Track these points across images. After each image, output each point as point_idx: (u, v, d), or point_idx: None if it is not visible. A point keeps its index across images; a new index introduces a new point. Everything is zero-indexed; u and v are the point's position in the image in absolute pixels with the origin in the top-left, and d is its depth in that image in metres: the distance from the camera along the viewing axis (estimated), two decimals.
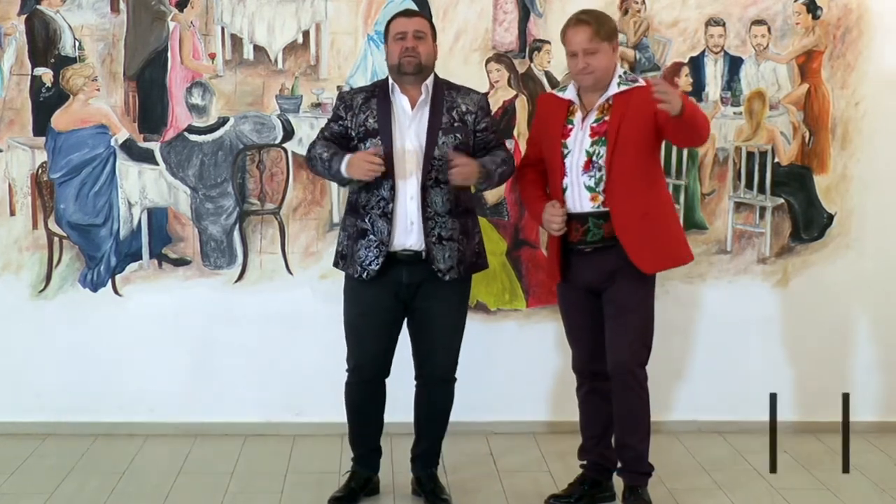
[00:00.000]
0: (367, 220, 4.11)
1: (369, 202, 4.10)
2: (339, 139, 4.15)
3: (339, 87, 4.96)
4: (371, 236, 4.10)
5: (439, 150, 4.08)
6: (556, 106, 4.18)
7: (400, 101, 4.13)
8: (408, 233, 4.09)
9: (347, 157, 4.03)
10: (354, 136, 4.13)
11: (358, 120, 4.12)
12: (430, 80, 4.15)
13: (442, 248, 4.10)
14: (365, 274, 4.10)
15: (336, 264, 4.26)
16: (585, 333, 4.22)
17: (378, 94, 4.16)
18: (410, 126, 4.11)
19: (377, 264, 4.08)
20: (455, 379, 4.29)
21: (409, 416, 4.35)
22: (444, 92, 4.16)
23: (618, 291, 4.08)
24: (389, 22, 4.18)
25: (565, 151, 4.10)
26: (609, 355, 4.11)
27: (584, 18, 4.06)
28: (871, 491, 4.53)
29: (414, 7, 4.92)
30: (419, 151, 4.08)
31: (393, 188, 4.07)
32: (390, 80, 4.17)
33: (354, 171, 4.00)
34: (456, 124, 4.12)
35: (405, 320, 4.25)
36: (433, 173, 4.07)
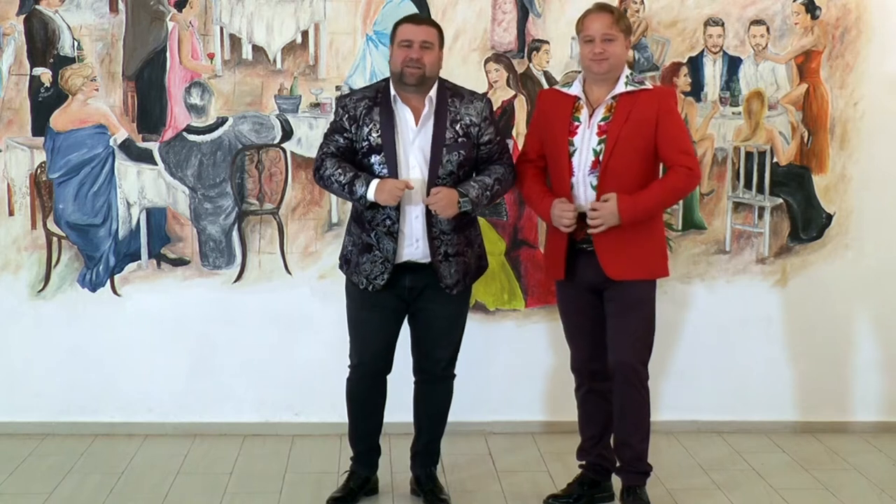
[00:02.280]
0: (372, 236, 4.07)
1: (374, 219, 4.06)
2: (346, 153, 4.09)
3: (337, 88, 4.96)
4: (376, 252, 4.07)
5: (443, 169, 4.04)
6: (560, 102, 4.14)
7: (403, 114, 4.06)
8: (414, 249, 4.07)
9: (375, 183, 3.97)
10: (358, 150, 4.08)
11: (362, 133, 4.05)
12: (433, 92, 4.06)
13: (448, 264, 4.09)
14: (371, 287, 4.08)
15: (341, 267, 4.25)
16: (585, 332, 4.21)
17: (380, 101, 4.07)
18: (415, 142, 4.05)
19: (383, 280, 4.06)
20: (454, 375, 4.29)
21: (407, 416, 4.35)
22: (448, 101, 4.08)
23: (621, 290, 4.06)
24: (397, 25, 4.09)
25: (572, 150, 4.07)
26: (611, 353, 4.10)
27: (606, 6, 4.09)
28: (870, 491, 4.52)
29: (413, 8, 4.91)
30: (424, 170, 4.04)
31: (399, 207, 4.02)
32: (392, 88, 4.08)
33: (385, 197, 3.95)
34: (460, 139, 4.06)
35: (406, 316, 4.24)
36: None
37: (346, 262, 4.20)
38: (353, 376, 4.26)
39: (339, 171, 4.03)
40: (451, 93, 4.12)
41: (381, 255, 4.06)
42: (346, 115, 4.09)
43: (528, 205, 4.49)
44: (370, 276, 4.08)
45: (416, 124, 4.05)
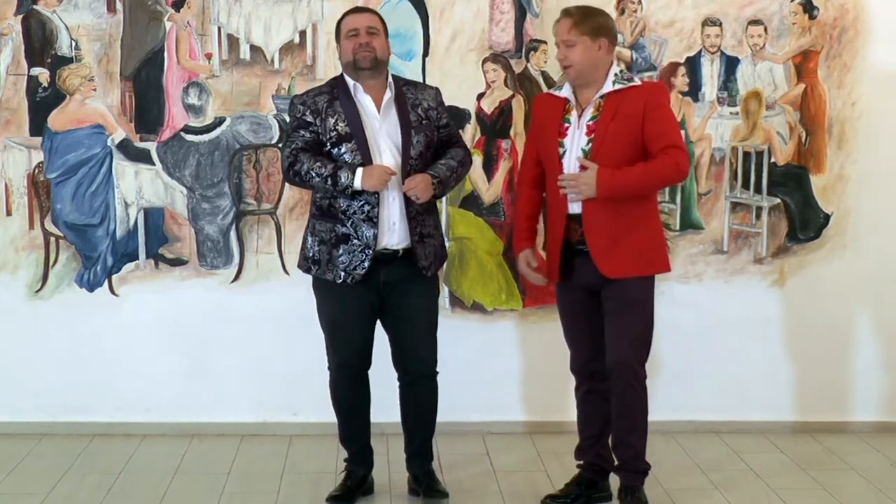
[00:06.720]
0: (348, 225, 4.08)
1: (350, 207, 4.06)
2: (314, 147, 4.10)
3: None
4: (354, 241, 4.07)
5: (414, 149, 4.09)
6: (552, 105, 4.16)
7: (364, 102, 4.10)
8: (390, 233, 4.09)
9: (360, 170, 3.99)
10: (326, 142, 4.09)
11: (327, 125, 4.08)
12: (390, 79, 4.14)
13: (423, 245, 4.12)
14: (350, 279, 4.08)
15: (307, 270, 4.21)
16: (584, 333, 4.20)
17: (339, 95, 4.12)
18: (382, 128, 4.10)
19: (363, 268, 4.07)
20: (438, 372, 4.29)
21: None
22: (402, 88, 4.16)
23: (618, 289, 4.06)
24: (340, 20, 4.16)
25: (561, 151, 4.08)
26: (609, 353, 4.09)
27: (569, 11, 4.06)
28: (868, 492, 4.52)
29: (410, 8, 4.92)
30: (396, 153, 4.08)
31: (376, 192, 4.05)
32: (349, 80, 4.13)
33: (374, 182, 3.98)
34: (424, 122, 4.14)
35: (380, 316, 4.24)
36: (412, 173, 4.06)
37: (315, 263, 4.16)
38: (338, 378, 4.26)
39: (318, 163, 4.04)
40: (402, 82, 4.22)
41: (361, 244, 4.06)
42: (308, 110, 4.11)
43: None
44: (349, 267, 4.08)
45: (379, 111, 4.10)
